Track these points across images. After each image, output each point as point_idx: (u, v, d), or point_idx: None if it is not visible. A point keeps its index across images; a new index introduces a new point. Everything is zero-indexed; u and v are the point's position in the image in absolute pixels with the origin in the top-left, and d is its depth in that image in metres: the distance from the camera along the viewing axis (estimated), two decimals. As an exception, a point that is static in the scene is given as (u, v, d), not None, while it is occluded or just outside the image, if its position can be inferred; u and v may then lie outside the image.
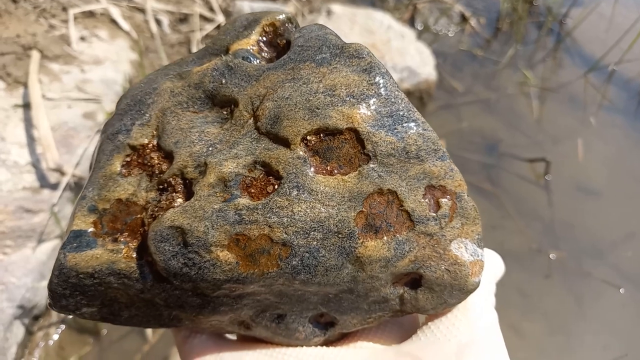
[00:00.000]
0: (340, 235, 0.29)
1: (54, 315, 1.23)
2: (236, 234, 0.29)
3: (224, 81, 0.33)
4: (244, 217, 0.29)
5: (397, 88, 0.32)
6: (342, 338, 0.37)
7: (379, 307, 0.33)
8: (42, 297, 1.19)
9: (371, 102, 0.31)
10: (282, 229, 0.29)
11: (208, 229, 0.29)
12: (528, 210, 1.58)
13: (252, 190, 0.30)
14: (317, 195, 0.29)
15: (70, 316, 0.32)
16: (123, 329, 1.25)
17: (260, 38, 0.35)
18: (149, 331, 1.24)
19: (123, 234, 0.31)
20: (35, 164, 1.25)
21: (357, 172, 0.30)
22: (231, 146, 0.30)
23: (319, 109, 0.30)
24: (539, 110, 1.89)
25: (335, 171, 0.30)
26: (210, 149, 0.31)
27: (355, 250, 0.30)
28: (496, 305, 0.36)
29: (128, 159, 0.33)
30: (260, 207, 0.29)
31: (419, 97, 1.69)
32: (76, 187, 1.29)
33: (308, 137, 0.30)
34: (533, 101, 1.92)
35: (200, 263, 0.29)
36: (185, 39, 1.81)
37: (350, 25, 1.70)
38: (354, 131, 0.30)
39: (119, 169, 0.32)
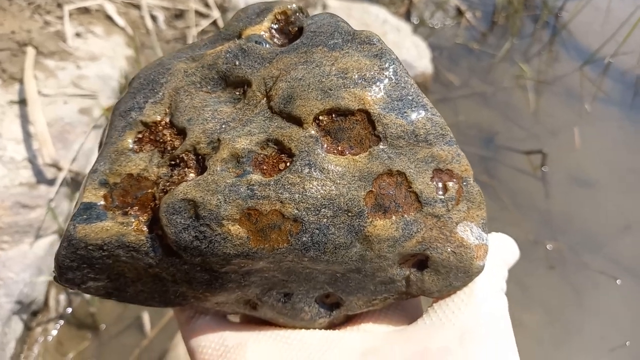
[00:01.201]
0: (350, 214, 0.30)
1: (53, 310, 1.23)
2: (248, 208, 0.29)
3: (237, 63, 0.33)
4: (256, 192, 0.29)
5: (407, 74, 0.33)
6: (346, 321, 0.37)
7: (385, 289, 0.34)
8: (40, 292, 1.20)
9: (382, 85, 0.31)
10: (293, 204, 0.29)
11: (220, 202, 0.29)
12: (525, 202, 1.59)
13: (264, 167, 0.30)
14: (329, 173, 0.30)
15: (74, 290, 0.32)
16: (122, 323, 1.25)
17: (272, 25, 0.35)
18: (147, 326, 1.24)
19: (133, 208, 0.31)
20: (32, 159, 1.24)
21: (367, 152, 0.31)
22: (244, 124, 0.31)
23: (331, 90, 0.31)
24: (535, 103, 1.90)
25: (346, 151, 0.31)
26: (224, 126, 0.31)
27: (364, 229, 0.30)
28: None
29: (140, 135, 0.33)
30: (272, 183, 0.29)
31: (415, 90, 1.69)
32: (73, 182, 1.29)
33: (320, 117, 0.31)
34: (529, 94, 1.93)
35: (211, 236, 0.29)
36: (181, 34, 1.81)
37: (346, 19, 1.70)
38: (365, 112, 0.31)
39: (130, 145, 0.33)
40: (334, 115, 0.31)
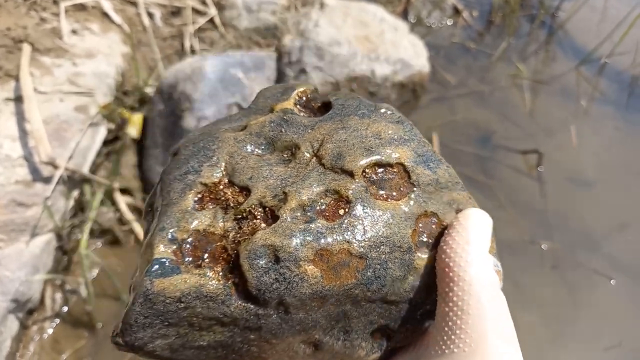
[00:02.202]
0: (401, 250, 0.35)
1: (49, 309, 1.23)
2: (320, 249, 0.33)
3: (283, 130, 0.39)
4: (326, 234, 0.34)
5: (422, 136, 0.40)
6: (390, 355, 0.39)
7: (429, 315, 0.37)
8: (36, 290, 1.19)
9: (409, 144, 0.38)
10: (358, 243, 0.34)
11: (297, 245, 0.33)
12: (521, 201, 1.60)
13: (327, 214, 0.35)
14: (382, 215, 0.35)
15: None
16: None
17: (296, 101, 0.41)
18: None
19: (205, 260, 0.34)
20: (28, 157, 1.24)
21: (406, 197, 0.36)
22: (303, 179, 0.36)
23: (372, 148, 0.37)
24: (531, 103, 1.90)
25: (389, 198, 0.36)
26: (284, 182, 0.36)
27: (413, 262, 0.35)
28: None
29: (200, 195, 0.36)
30: (337, 226, 0.34)
31: (412, 89, 1.69)
32: (69, 180, 1.29)
33: (366, 170, 0.36)
34: (526, 93, 1.93)
35: (290, 277, 0.33)
36: (177, 32, 1.80)
37: (344, 18, 1.70)
38: (402, 165, 0.37)
39: (192, 204, 0.36)
40: (376, 168, 0.37)
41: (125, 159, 1.50)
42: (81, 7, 1.66)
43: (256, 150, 0.38)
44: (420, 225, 0.36)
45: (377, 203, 0.35)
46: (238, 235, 0.34)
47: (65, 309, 1.25)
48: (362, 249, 0.34)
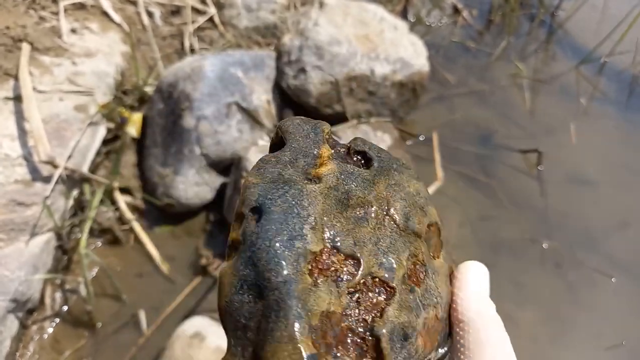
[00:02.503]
0: (448, 305, 0.36)
1: (48, 308, 1.23)
2: (424, 318, 0.33)
3: (354, 185, 0.35)
4: (425, 302, 0.34)
5: None
6: None
7: None
8: (35, 290, 1.19)
9: (432, 202, 0.40)
10: (441, 307, 0.35)
11: (416, 319, 0.32)
12: (521, 200, 1.59)
13: (414, 279, 0.34)
14: (441, 274, 0.36)
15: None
16: (118, 321, 1.25)
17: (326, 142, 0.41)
18: (144, 324, 1.23)
19: (337, 348, 0.31)
20: (27, 156, 1.24)
21: (441, 254, 0.38)
22: (392, 243, 0.34)
23: (423, 208, 0.37)
24: (531, 102, 1.90)
25: (434, 256, 0.37)
26: (378, 247, 0.34)
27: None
28: (491, 294, 0.37)
29: (309, 266, 0.31)
30: (424, 292, 0.34)
31: (411, 88, 1.69)
32: (68, 179, 1.28)
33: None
34: (525, 93, 1.93)
35: (412, 353, 0.32)
36: (177, 31, 1.80)
37: (343, 17, 1.69)
38: (436, 224, 0.38)
39: (309, 279, 0.31)
40: (429, 228, 0.37)
41: (125, 158, 1.49)
42: (80, 6, 1.65)
43: (338, 206, 0.34)
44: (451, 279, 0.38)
45: (433, 262, 0.36)
46: (362, 312, 0.31)
47: (65, 308, 1.25)
48: (442, 313, 0.35)
